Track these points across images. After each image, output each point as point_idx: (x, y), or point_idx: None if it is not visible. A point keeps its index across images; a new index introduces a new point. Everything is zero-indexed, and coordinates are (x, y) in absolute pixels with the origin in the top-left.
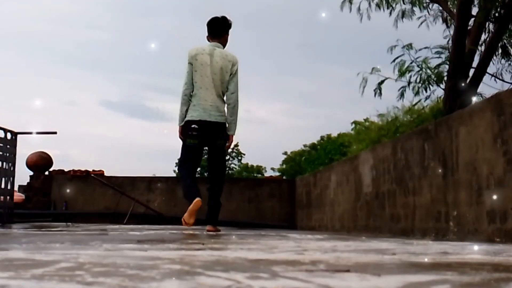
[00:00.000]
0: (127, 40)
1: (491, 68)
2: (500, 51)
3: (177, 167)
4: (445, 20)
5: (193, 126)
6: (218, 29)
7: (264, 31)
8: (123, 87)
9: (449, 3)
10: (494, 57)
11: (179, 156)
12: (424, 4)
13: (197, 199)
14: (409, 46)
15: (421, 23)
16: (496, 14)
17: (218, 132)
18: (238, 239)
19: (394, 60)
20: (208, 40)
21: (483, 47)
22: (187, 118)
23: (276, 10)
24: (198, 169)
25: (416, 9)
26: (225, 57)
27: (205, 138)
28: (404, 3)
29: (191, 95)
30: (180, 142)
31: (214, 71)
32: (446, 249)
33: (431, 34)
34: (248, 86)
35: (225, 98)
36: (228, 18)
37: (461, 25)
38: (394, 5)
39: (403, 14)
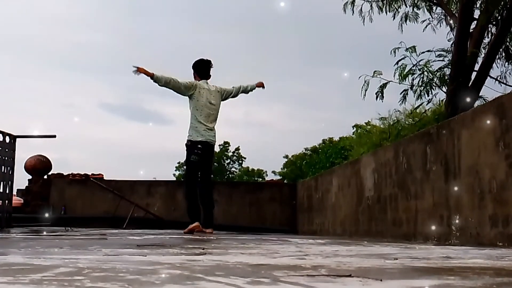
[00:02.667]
0: (125, 43)
1: (495, 71)
2: (503, 54)
3: (184, 179)
4: (449, 23)
5: (198, 146)
6: (209, 70)
7: (265, 33)
8: (122, 90)
9: (451, 6)
10: (498, 60)
11: (183, 162)
12: (427, 7)
13: (197, 223)
14: (412, 49)
15: (426, 27)
16: (499, 17)
17: (212, 150)
18: (239, 244)
19: (397, 63)
20: (195, 78)
21: (485, 50)
22: (192, 139)
23: (277, 12)
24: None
25: (419, 12)
26: (217, 90)
27: (205, 155)
28: (406, 6)
29: (172, 85)
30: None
31: (212, 103)
32: (448, 254)
33: (437, 38)
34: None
35: (231, 96)
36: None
37: (463, 28)
38: (397, 8)
39: (406, 17)
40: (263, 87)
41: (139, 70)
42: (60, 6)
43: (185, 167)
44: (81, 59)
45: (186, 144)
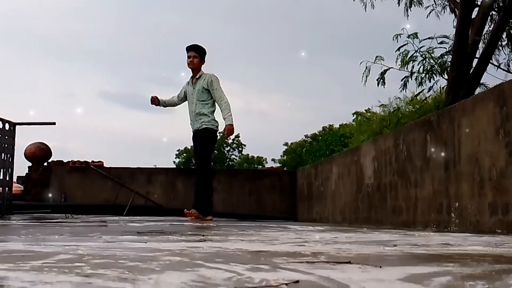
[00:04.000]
0: (124, 32)
1: (500, 59)
2: (506, 41)
3: (206, 165)
4: (453, 10)
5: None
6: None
7: (265, 23)
8: (121, 79)
9: None
10: (501, 48)
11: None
12: None
13: (211, 217)
14: (415, 35)
15: (429, 13)
16: (501, 4)
17: None
18: (239, 231)
19: (398, 49)
20: (201, 63)
21: (487, 37)
22: (217, 127)
23: (278, 3)
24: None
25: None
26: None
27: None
28: None
29: (171, 103)
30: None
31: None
32: (447, 241)
33: (441, 24)
34: (248, 77)
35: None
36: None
37: (464, 14)
38: None
39: (411, 3)
40: (227, 136)
41: (154, 102)
42: None
43: (204, 153)
44: (81, 49)
45: (212, 130)
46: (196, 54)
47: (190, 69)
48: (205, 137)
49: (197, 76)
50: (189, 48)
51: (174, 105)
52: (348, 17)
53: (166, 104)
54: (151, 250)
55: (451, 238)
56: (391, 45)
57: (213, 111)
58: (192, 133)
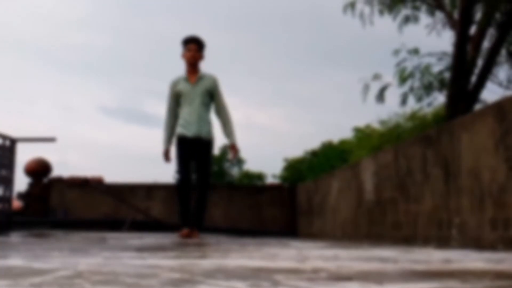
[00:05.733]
0: (123, 45)
1: (500, 75)
2: (505, 57)
3: (210, 181)
4: (452, 27)
5: None
6: None
7: (265, 35)
8: (121, 93)
9: (452, 9)
10: (499, 64)
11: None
12: (428, 11)
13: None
14: (415, 51)
15: (430, 31)
16: (499, 20)
17: None
18: (239, 247)
19: (398, 64)
20: (202, 58)
21: (486, 54)
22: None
23: (277, 14)
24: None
25: (420, 15)
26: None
27: None
28: (406, 8)
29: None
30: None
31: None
32: (448, 257)
33: (439, 40)
34: (247, 90)
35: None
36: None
37: (462, 31)
38: (397, 11)
39: (407, 19)
40: (233, 157)
41: (167, 158)
42: (59, 7)
43: (210, 168)
44: (80, 61)
45: (213, 141)
46: (199, 47)
47: (187, 64)
48: (210, 150)
49: (198, 75)
50: (190, 40)
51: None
52: (348, 29)
53: (172, 135)
54: (151, 266)
55: (452, 254)
56: (391, 57)
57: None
58: (185, 137)
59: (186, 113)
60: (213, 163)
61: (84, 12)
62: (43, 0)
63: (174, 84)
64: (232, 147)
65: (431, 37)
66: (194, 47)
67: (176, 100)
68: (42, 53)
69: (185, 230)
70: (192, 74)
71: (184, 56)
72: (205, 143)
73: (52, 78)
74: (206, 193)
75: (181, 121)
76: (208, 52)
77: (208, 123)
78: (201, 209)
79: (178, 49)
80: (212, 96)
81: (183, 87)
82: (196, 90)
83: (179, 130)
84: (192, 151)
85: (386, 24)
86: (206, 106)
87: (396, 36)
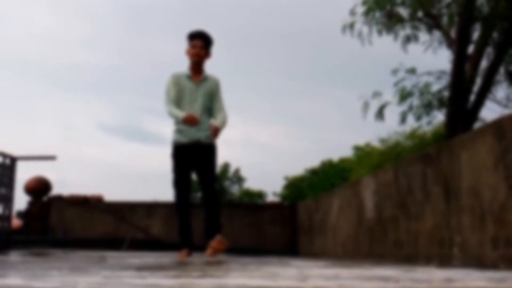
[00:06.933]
0: (124, 64)
1: (500, 93)
2: (503, 76)
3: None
4: (449, 46)
5: None
6: None
7: (264, 53)
8: (121, 111)
9: (449, 29)
10: (498, 83)
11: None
12: (427, 30)
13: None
14: (412, 71)
15: (426, 48)
16: (496, 40)
17: None
18: (239, 266)
19: (397, 84)
20: (210, 56)
21: (484, 72)
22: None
23: (277, 33)
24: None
25: (420, 34)
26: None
27: None
28: (405, 29)
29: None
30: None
31: None
32: (450, 276)
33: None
34: (246, 108)
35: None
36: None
37: (460, 50)
38: (396, 31)
39: (408, 39)
40: (213, 132)
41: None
42: (60, 26)
43: (215, 174)
44: (81, 80)
45: (214, 147)
46: (205, 44)
47: (191, 62)
48: (213, 155)
49: (203, 75)
50: (196, 35)
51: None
52: (347, 49)
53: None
54: (151, 285)
55: (454, 273)
56: (390, 76)
57: None
58: (181, 144)
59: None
60: (216, 169)
61: (85, 32)
62: (44, 19)
63: (177, 78)
64: (214, 128)
65: (431, 55)
66: (199, 44)
67: (178, 96)
68: (43, 72)
69: (184, 251)
70: (196, 73)
71: (188, 52)
72: (206, 147)
73: (52, 97)
74: (217, 199)
75: (176, 126)
76: (208, 67)
77: (209, 129)
78: (216, 215)
79: (176, 67)
80: (212, 100)
81: (186, 84)
82: (199, 91)
83: (175, 137)
84: (191, 160)
85: (385, 43)
86: (207, 110)
87: (395, 55)
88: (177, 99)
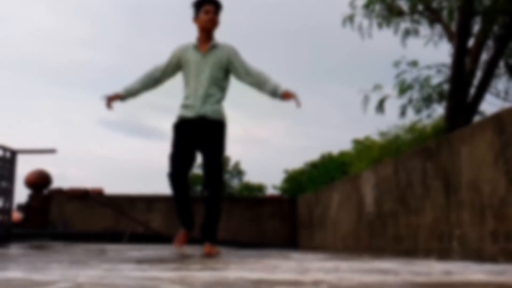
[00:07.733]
0: (124, 61)
1: (499, 87)
2: (503, 69)
3: (223, 175)
4: (449, 39)
5: None
6: None
7: (265, 50)
8: (121, 106)
9: (450, 22)
10: (498, 76)
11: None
12: (428, 23)
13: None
14: (414, 64)
15: (427, 42)
16: (497, 33)
17: None
18: (239, 259)
19: (398, 76)
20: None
21: (484, 66)
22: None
23: (277, 30)
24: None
25: (420, 27)
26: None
27: None
28: (405, 22)
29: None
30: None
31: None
32: (449, 269)
33: (437, 52)
34: (246, 104)
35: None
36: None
37: (461, 44)
38: (396, 24)
39: (407, 32)
40: (295, 100)
41: (112, 101)
42: (60, 26)
43: (222, 157)
44: (82, 79)
45: (226, 125)
46: (217, 10)
47: (201, 30)
48: (222, 132)
49: (211, 43)
50: (208, 0)
51: (152, 87)
52: (347, 45)
53: (135, 91)
54: (151, 278)
55: (453, 266)
56: (390, 70)
57: (224, 100)
58: (185, 119)
59: (191, 88)
60: (224, 151)
61: (85, 32)
62: (44, 19)
63: (182, 50)
64: (286, 94)
65: (431, 49)
66: (212, 9)
67: (173, 69)
68: (43, 71)
69: (181, 233)
70: (204, 42)
71: (199, 20)
72: (213, 123)
73: (52, 96)
74: (218, 192)
75: (183, 101)
76: None
77: (217, 103)
78: (214, 214)
79: None
80: (227, 72)
81: (192, 56)
82: (206, 61)
83: (179, 112)
84: (194, 137)
85: (385, 38)
86: (216, 82)
87: (395, 52)
88: (172, 72)
